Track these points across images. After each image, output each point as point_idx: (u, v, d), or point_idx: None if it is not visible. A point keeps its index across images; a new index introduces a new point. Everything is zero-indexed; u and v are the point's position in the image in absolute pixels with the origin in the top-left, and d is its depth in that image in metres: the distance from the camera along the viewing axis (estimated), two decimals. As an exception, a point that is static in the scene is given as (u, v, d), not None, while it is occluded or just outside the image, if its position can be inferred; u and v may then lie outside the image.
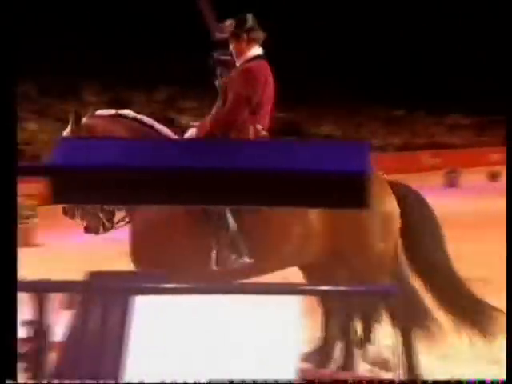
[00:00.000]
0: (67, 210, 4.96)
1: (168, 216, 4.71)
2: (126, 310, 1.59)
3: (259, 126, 4.75)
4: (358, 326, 5.16)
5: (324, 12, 40.85)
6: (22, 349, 1.63)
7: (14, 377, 2.27)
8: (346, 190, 1.46)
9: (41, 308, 1.63)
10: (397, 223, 4.83)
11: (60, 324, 1.67)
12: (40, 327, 1.63)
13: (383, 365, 4.97)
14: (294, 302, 1.68)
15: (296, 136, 29.35)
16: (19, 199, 10.70)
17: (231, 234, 4.62)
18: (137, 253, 4.72)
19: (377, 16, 41.84)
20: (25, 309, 1.62)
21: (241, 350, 1.64)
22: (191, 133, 4.93)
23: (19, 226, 12.12)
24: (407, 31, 42.39)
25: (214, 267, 4.59)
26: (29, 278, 1.69)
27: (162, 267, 4.45)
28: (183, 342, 1.64)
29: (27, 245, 11.83)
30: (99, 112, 5.14)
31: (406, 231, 4.87)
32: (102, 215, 4.94)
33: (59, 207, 4.81)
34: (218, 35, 4.51)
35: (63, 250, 10.84)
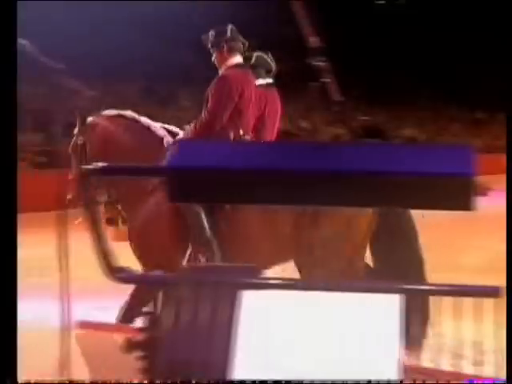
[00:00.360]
0: (70, 202, 4.97)
1: (157, 212, 4.72)
2: (235, 303, 1.58)
3: (241, 131, 4.73)
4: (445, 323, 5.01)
5: (405, 17, 40.25)
6: (138, 338, 1.65)
7: (13, 377, 2.23)
8: (452, 192, 1.42)
9: (155, 300, 1.64)
10: (364, 228, 4.53)
11: (171, 316, 1.67)
12: (154, 318, 1.64)
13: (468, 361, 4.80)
14: (395, 300, 1.63)
15: (378, 138, 29.00)
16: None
17: (205, 234, 4.55)
18: (137, 247, 4.76)
19: (457, 20, 40.92)
20: (139, 300, 1.64)
21: (343, 347, 1.61)
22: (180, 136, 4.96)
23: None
24: (488, 35, 41.30)
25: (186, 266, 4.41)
26: (139, 272, 1.70)
27: (154, 261, 4.54)
28: (287, 338, 1.62)
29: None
30: (104, 112, 5.26)
31: (379, 234, 4.57)
32: (119, 206, 5.02)
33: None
34: (313, 41, 4.51)
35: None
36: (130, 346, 1.61)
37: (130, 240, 4.81)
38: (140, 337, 1.63)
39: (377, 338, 1.58)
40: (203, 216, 4.57)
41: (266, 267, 4.50)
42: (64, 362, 3.17)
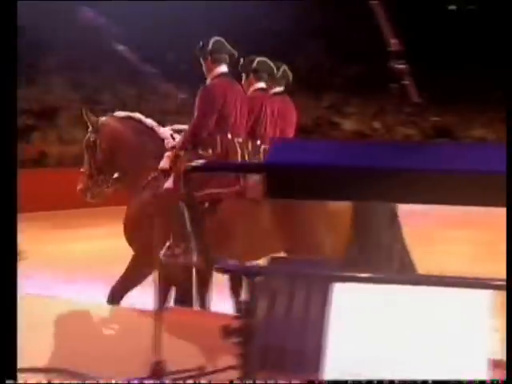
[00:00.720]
0: (81, 192, 5.45)
1: (148, 204, 4.96)
2: (327, 296, 1.55)
3: (229, 136, 4.95)
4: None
5: (477, 21, 39.24)
6: (235, 324, 1.64)
7: (14, 377, 2.13)
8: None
9: (252, 290, 1.63)
10: (345, 218, 4.52)
11: (265, 305, 1.66)
12: (250, 307, 1.63)
13: None
14: (485, 295, 1.57)
15: (448, 139, 28.39)
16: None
17: (185, 229, 4.66)
18: (127, 233, 5.08)
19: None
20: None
21: (432, 344, 1.55)
22: (172, 143, 5.24)
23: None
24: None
25: (162, 258, 4.74)
26: (235, 263, 1.69)
27: (145, 248, 4.82)
28: (377, 331, 1.58)
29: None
30: (116, 113, 5.61)
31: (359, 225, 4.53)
32: None
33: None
34: (394, 45, 4.44)
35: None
36: (228, 332, 1.60)
37: (124, 224, 5.14)
38: (237, 324, 1.62)
39: (467, 333, 1.53)
40: (186, 214, 4.73)
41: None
42: (157, 345, 3.21)
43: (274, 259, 2.11)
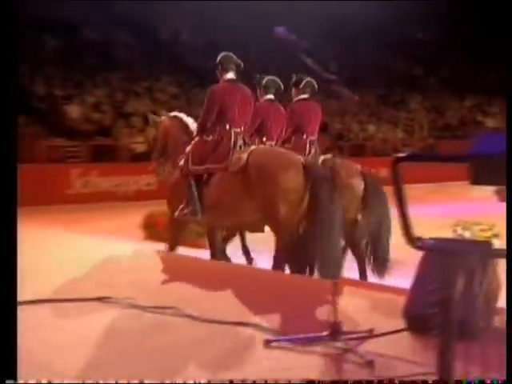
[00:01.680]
0: (155, 169, 6.26)
1: (176, 180, 5.65)
2: (484, 272, 1.47)
3: (227, 126, 5.44)
4: None
5: None
6: (431, 299, 1.59)
7: (14, 377, 1.99)
8: None
9: (448, 266, 1.58)
10: (297, 194, 4.93)
11: (461, 281, 1.59)
12: (446, 282, 1.58)
13: None
14: None
15: None
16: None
17: (192, 196, 5.39)
18: (168, 201, 5.79)
19: None
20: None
21: None
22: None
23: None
24: None
25: (176, 216, 5.53)
26: (434, 242, 1.64)
27: (170, 208, 5.68)
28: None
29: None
30: (171, 113, 6.40)
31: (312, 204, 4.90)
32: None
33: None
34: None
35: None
36: (427, 303, 1.57)
37: (167, 197, 5.91)
38: (435, 297, 1.57)
39: None
40: (193, 185, 5.44)
41: (233, 223, 5.50)
42: (334, 309, 3.20)
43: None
